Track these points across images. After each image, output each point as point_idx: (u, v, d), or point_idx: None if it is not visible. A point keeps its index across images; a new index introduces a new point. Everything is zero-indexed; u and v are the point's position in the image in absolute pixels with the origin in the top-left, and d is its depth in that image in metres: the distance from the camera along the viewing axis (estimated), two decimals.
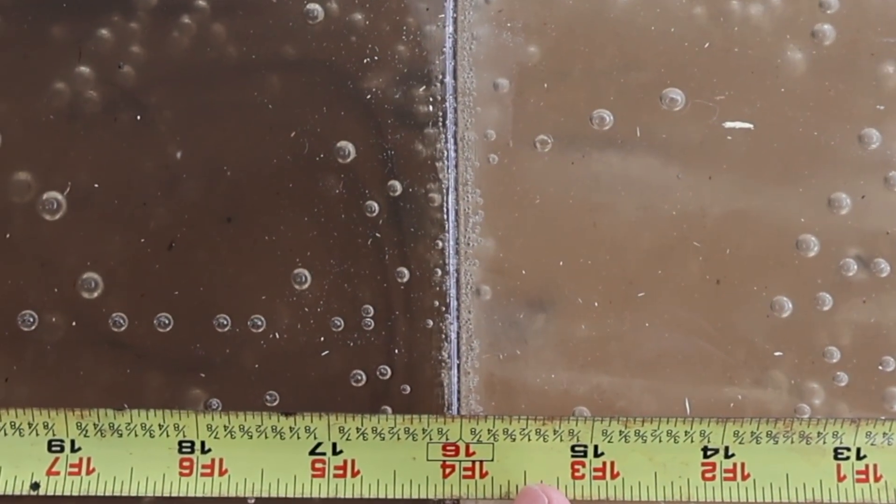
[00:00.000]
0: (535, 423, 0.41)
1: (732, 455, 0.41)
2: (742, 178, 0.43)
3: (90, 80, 0.43)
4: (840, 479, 0.41)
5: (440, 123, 0.43)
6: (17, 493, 0.41)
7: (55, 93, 0.43)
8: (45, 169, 0.43)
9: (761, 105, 0.43)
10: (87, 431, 0.41)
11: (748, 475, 0.41)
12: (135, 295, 0.43)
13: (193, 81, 0.43)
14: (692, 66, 0.43)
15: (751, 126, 0.43)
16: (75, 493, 0.41)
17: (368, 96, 0.43)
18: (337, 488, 0.41)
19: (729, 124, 0.43)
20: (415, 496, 0.41)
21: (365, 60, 0.43)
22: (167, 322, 0.43)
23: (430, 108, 0.43)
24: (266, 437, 0.41)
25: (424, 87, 0.43)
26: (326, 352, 0.42)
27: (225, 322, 0.43)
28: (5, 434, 0.41)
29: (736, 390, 0.42)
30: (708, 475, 0.41)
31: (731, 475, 0.41)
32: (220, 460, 0.41)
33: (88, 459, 0.41)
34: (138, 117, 0.43)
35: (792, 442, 0.41)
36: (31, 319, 0.43)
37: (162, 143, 0.43)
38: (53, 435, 0.41)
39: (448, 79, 0.43)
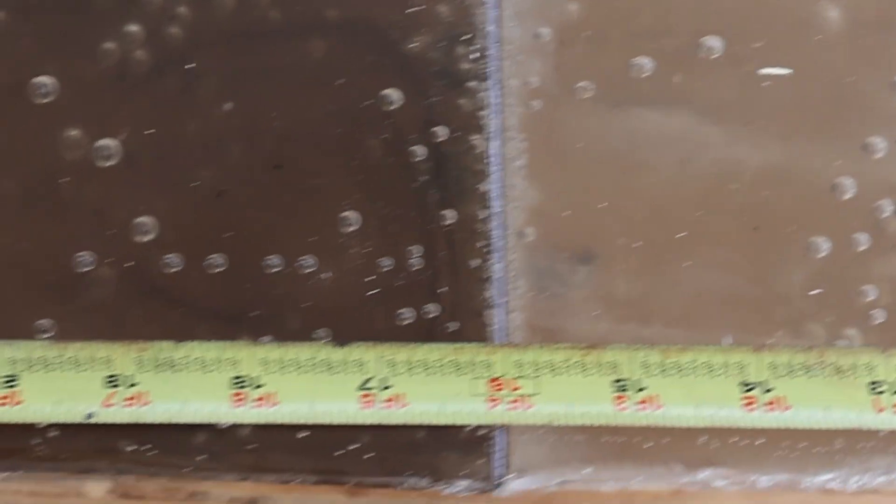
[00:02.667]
0: (577, 352, 0.42)
1: (771, 389, 0.42)
2: (778, 124, 0.44)
3: (138, 40, 0.44)
4: (879, 410, 0.42)
5: (484, 71, 0.44)
6: (71, 421, 0.41)
7: (105, 51, 0.44)
8: (99, 120, 0.44)
9: (797, 53, 0.44)
10: (144, 366, 0.42)
11: (789, 407, 0.42)
12: (187, 238, 0.44)
13: (241, 37, 0.44)
14: (730, 14, 0.44)
15: (788, 72, 0.44)
16: (129, 422, 0.42)
17: (413, 45, 0.44)
18: (385, 418, 0.42)
19: (766, 71, 0.44)
20: (462, 424, 0.42)
21: (408, 11, 0.44)
22: (220, 262, 0.44)
23: (474, 55, 0.44)
24: (317, 372, 0.42)
25: (468, 35, 0.44)
26: (376, 290, 0.43)
27: (277, 262, 0.44)
28: (65, 369, 0.42)
29: (774, 328, 0.43)
30: (748, 407, 0.42)
31: (771, 407, 0.42)
32: (273, 394, 0.42)
33: (144, 393, 0.42)
34: (188, 71, 0.44)
35: (827, 375, 0.42)
36: (88, 260, 0.44)
37: (211, 96, 0.44)
38: (111, 370, 0.42)
39: (492, 28, 0.44)
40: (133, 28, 0.44)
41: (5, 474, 0.44)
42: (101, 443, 0.43)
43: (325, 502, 0.47)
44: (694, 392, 0.42)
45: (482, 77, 0.44)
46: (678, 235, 0.44)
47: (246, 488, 0.48)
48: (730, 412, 0.42)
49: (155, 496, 0.48)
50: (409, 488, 0.43)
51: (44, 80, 0.44)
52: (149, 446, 0.43)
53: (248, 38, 0.44)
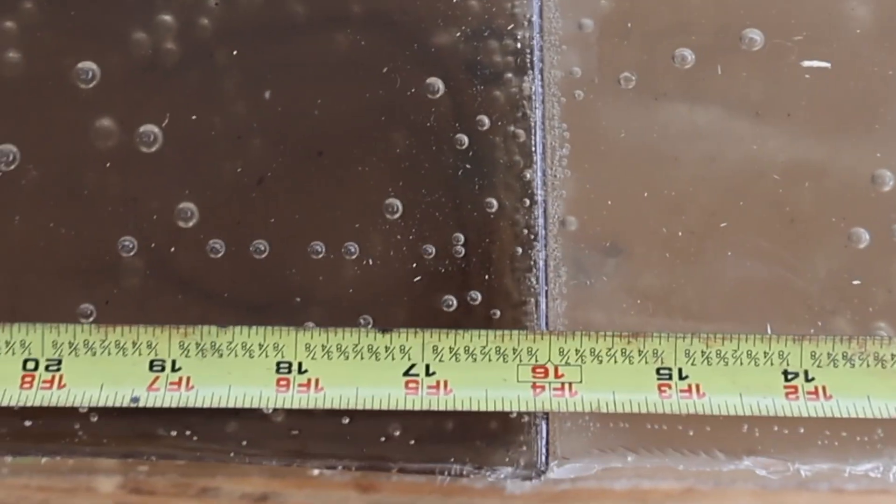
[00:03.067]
0: (621, 341, 0.42)
1: (812, 379, 0.42)
2: (818, 116, 0.45)
3: (172, 29, 0.44)
4: None
5: (527, 61, 0.44)
6: (116, 405, 0.41)
7: (141, 39, 0.44)
8: (139, 107, 0.44)
9: (837, 46, 0.45)
10: (188, 351, 0.42)
11: (830, 396, 0.42)
12: (229, 224, 0.44)
13: (280, 26, 0.45)
14: (771, 6, 0.45)
15: (828, 65, 0.44)
16: (174, 406, 0.42)
17: (457, 34, 0.44)
18: (430, 404, 0.42)
19: (807, 63, 0.45)
20: (506, 411, 0.42)
21: (454, 0, 0.45)
22: (263, 249, 0.44)
23: (517, 46, 0.45)
24: (362, 358, 0.42)
25: (511, 26, 0.45)
26: (419, 278, 0.44)
27: (319, 249, 0.44)
28: (109, 353, 0.42)
29: (815, 318, 0.44)
30: (791, 396, 0.42)
31: (814, 396, 0.42)
32: (317, 379, 0.42)
33: (188, 378, 0.42)
34: (228, 59, 0.44)
35: (868, 365, 0.42)
36: (130, 245, 0.44)
37: (251, 84, 0.44)
38: (156, 354, 0.42)
39: (535, 18, 0.45)
40: (165, 17, 0.44)
41: (45, 459, 0.43)
42: (142, 428, 0.43)
43: (337, 498, 0.47)
44: (737, 381, 0.42)
45: (525, 67, 0.44)
46: (721, 225, 0.44)
47: (258, 484, 0.48)
48: (772, 401, 0.42)
49: (166, 492, 0.48)
50: (452, 476, 0.43)
51: (89, 65, 0.44)
52: (189, 432, 0.43)
53: (284, 28, 0.45)
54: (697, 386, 0.42)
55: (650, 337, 0.42)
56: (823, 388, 0.42)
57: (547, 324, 0.43)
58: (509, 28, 0.44)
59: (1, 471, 0.49)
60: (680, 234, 0.44)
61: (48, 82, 0.44)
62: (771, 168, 0.44)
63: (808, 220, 0.44)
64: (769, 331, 0.43)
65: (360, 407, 0.42)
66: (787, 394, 0.42)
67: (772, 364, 0.42)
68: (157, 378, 0.42)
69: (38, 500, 0.50)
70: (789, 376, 0.42)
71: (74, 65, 0.44)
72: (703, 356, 0.42)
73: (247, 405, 0.42)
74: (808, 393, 0.42)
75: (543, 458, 0.43)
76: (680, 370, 0.42)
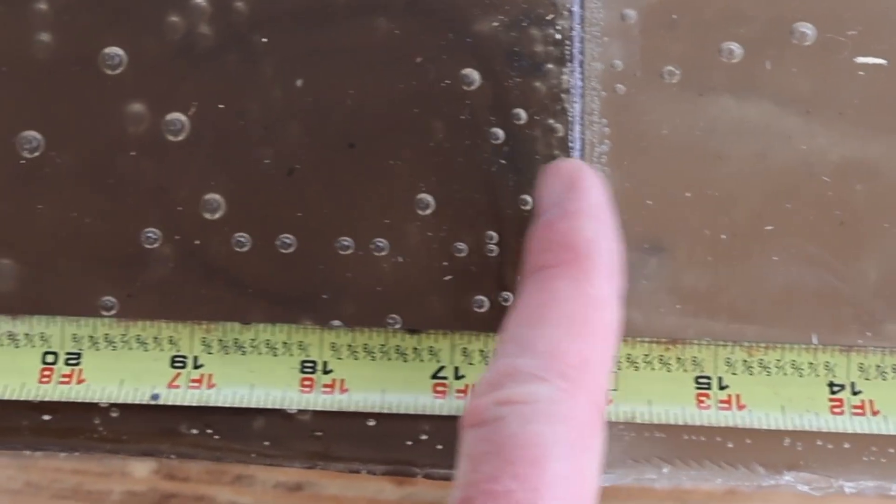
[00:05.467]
0: (658, 347, 0.41)
1: (859, 392, 0.40)
2: (871, 115, 0.43)
3: (206, 13, 0.43)
4: None
5: (566, 53, 0.43)
6: (136, 401, 0.40)
7: (172, 24, 0.43)
8: (166, 94, 0.43)
9: (894, 42, 0.42)
10: (211, 347, 0.41)
11: (878, 411, 0.40)
12: (257, 216, 0.43)
13: (315, 13, 0.43)
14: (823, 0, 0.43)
15: (884, 62, 0.42)
16: (195, 404, 0.40)
17: (495, 24, 0.43)
18: (459, 408, 0.40)
19: (861, 59, 0.42)
20: None
21: None
22: (290, 243, 0.43)
23: (557, 37, 0.43)
24: (389, 359, 0.41)
25: (551, 16, 0.43)
26: (449, 277, 0.42)
27: (348, 244, 0.42)
28: (130, 348, 0.41)
29: (864, 327, 0.42)
30: (836, 410, 0.40)
31: (860, 411, 0.40)
32: (342, 380, 0.41)
33: (210, 376, 0.41)
34: (257, 47, 0.43)
35: None
36: (155, 237, 0.43)
37: (282, 72, 0.43)
38: (177, 350, 0.41)
39: (575, 9, 0.43)
40: (199, 1, 0.43)
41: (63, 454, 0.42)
42: (162, 425, 0.42)
43: (373, 489, 0.46)
44: (779, 392, 0.40)
45: (564, 59, 0.43)
46: (767, 228, 0.42)
47: (292, 473, 0.47)
48: (816, 415, 0.40)
49: (200, 478, 0.47)
50: None
51: (115, 50, 0.43)
52: (211, 430, 0.42)
53: (319, 15, 0.43)
54: (738, 396, 0.40)
55: (689, 344, 0.41)
56: (871, 403, 0.40)
57: None
58: (549, 18, 0.43)
59: (34, 454, 0.48)
60: (724, 236, 0.42)
61: (74, 67, 0.43)
62: (821, 168, 0.42)
63: (858, 224, 0.42)
64: (815, 340, 0.41)
65: (386, 411, 0.40)
66: (831, 408, 0.40)
67: (817, 375, 0.40)
68: (178, 375, 0.41)
69: (71, 484, 0.49)
70: (835, 389, 0.40)
71: (102, 49, 0.43)
72: (744, 365, 0.40)
73: (269, 405, 0.40)
74: (854, 407, 0.40)
75: None
76: (720, 379, 0.41)
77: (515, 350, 0.34)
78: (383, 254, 0.43)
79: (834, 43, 0.43)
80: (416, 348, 0.41)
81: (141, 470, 0.47)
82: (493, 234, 0.42)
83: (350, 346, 0.41)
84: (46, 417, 0.42)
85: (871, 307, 0.42)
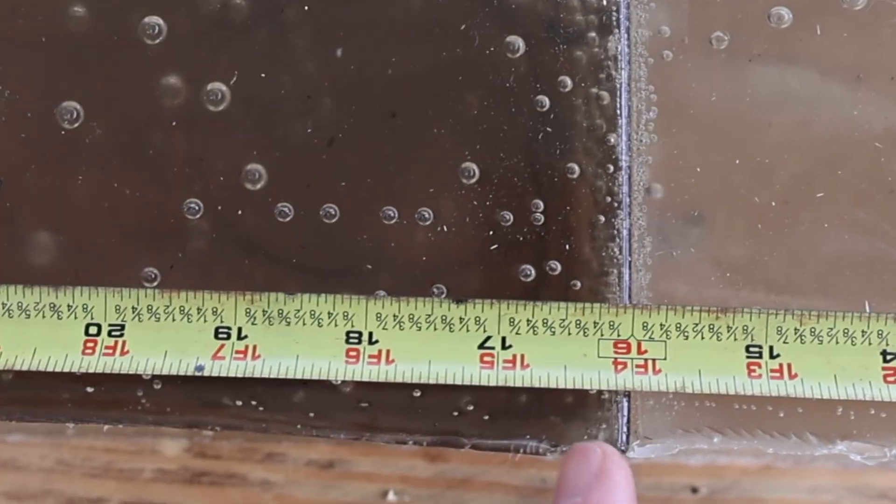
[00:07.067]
0: (709, 316, 0.40)
1: None
2: None
3: None
4: None
5: (613, 20, 0.42)
6: (181, 373, 0.40)
7: None
8: (205, 64, 0.42)
9: None
10: (255, 318, 0.41)
11: None
12: (300, 186, 0.42)
13: None
14: None
15: None
16: (239, 375, 0.40)
17: None
18: (506, 379, 0.40)
19: None
20: (586, 387, 0.40)
21: None
22: (333, 213, 0.42)
23: (603, 3, 0.42)
24: (435, 329, 0.40)
25: None
26: (495, 246, 0.42)
27: (392, 214, 0.42)
28: (173, 319, 0.41)
29: None
30: (890, 379, 0.40)
31: None
32: (388, 351, 0.40)
33: (254, 347, 0.41)
34: (298, 16, 0.42)
35: None
36: (196, 208, 0.42)
37: (321, 42, 0.42)
38: (221, 322, 0.41)
39: None
40: None
41: (106, 427, 0.42)
42: (206, 396, 0.42)
43: (405, 466, 0.46)
44: (832, 361, 0.40)
45: (610, 26, 0.42)
46: (817, 195, 0.41)
47: (324, 451, 0.47)
48: (869, 384, 0.39)
49: (231, 456, 0.47)
50: (527, 453, 0.41)
51: (155, 19, 0.42)
52: (255, 402, 0.41)
53: None
54: (789, 366, 0.40)
55: (740, 312, 0.40)
56: None
57: (630, 296, 0.41)
58: None
59: (66, 432, 0.48)
60: (773, 203, 0.41)
61: (113, 37, 0.42)
62: (871, 135, 0.41)
63: None
64: (867, 308, 0.41)
65: (432, 381, 0.40)
66: (885, 376, 0.40)
67: (869, 343, 0.40)
68: (222, 346, 0.40)
69: (103, 462, 0.49)
70: (888, 357, 0.40)
71: (141, 20, 0.42)
72: (796, 334, 0.40)
73: (315, 377, 0.40)
74: None
75: (624, 436, 0.41)
76: (771, 348, 0.40)
77: None
78: (427, 223, 0.42)
79: (885, 7, 0.42)
80: (462, 318, 0.41)
81: (172, 448, 0.47)
82: (539, 202, 0.42)
83: (395, 315, 0.41)
84: (90, 389, 0.42)
85: None
